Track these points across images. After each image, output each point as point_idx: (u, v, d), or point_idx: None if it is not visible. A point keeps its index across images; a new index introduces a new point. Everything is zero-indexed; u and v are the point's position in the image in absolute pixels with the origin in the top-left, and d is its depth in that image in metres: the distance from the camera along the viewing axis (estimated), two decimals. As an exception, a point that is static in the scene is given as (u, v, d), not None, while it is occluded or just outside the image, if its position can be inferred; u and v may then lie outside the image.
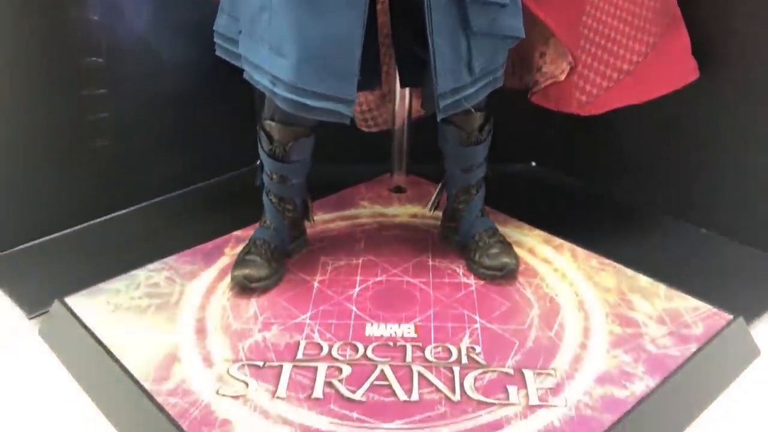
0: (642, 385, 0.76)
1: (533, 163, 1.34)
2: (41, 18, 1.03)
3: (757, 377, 0.86)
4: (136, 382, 0.76)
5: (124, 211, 1.18)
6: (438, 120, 0.85)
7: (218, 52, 0.88)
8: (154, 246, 1.03)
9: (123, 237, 1.11)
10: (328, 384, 0.76)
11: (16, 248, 1.08)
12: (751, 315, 0.92)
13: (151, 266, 0.96)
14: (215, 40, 0.88)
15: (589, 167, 1.25)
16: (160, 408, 0.72)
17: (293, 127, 0.88)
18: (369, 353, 0.80)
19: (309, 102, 0.77)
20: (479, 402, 0.74)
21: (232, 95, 1.21)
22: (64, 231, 1.12)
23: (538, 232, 1.05)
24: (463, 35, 0.79)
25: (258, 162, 0.97)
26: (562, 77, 0.92)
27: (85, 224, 1.14)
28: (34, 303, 0.94)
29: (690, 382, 0.80)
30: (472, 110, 0.87)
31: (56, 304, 0.90)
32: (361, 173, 1.22)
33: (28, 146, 1.07)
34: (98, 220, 1.16)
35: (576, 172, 1.27)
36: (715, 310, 0.88)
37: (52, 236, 1.11)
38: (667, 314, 0.87)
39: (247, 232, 1.01)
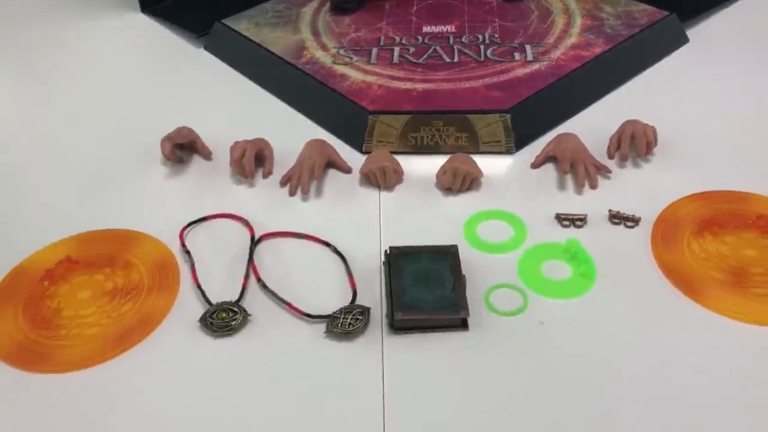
0: (599, 49, 1.21)
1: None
2: None
3: (682, 55, 1.30)
4: (282, 58, 1.23)
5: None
6: None
7: None
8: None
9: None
10: (402, 56, 1.22)
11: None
12: (689, 16, 1.34)
13: (272, 0, 1.41)
14: None
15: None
16: (302, 70, 1.20)
17: None
18: (426, 41, 1.26)
19: None
20: (495, 61, 1.19)
21: None
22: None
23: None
24: None
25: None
26: None
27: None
28: (197, 28, 1.40)
29: (631, 50, 1.24)
30: None
31: (217, 24, 1.35)
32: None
33: None
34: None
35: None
36: (656, 10, 1.30)
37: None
38: (624, 13, 1.30)
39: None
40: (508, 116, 1.07)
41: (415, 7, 1.35)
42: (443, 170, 1.01)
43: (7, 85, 1.37)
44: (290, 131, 1.14)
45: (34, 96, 1.32)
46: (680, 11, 1.31)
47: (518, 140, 1.07)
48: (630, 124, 1.05)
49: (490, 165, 1.04)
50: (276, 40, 1.28)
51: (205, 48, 1.37)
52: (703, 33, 1.34)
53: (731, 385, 0.75)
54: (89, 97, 1.28)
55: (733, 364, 0.77)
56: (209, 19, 1.38)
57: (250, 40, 1.28)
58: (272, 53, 1.24)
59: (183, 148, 1.09)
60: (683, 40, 1.31)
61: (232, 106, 1.23)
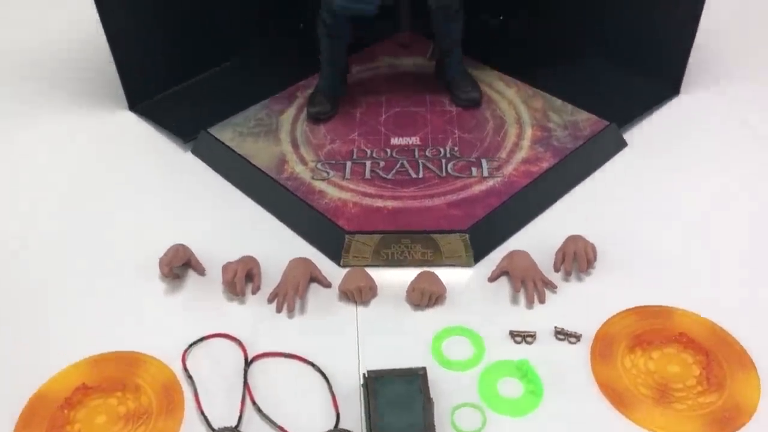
0: (547, 164, 1.36)
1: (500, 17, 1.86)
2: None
3: (622, 159, 1.46)
4: (265, 173, 1.37)
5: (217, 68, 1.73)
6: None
7: None
8: (251, 90, 1.60)
9: (224, 85, 1.66)
10: (373, 171, 1.36)
11: (159, 95, 1.64)
12: (624, 121, 1.51)
13: (254, 107, 1.54)
14: None
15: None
16: (284, 186, 1.33)
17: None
18: (394, 154, 1.40)
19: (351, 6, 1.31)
20: (455, 177, 1.34)
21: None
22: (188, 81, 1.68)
23: (495, 72, 1.62)
24: None
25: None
26: None
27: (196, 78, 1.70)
28: (184, 133, 1.52)
29: (578, 161, 1.40)
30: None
31: (203, 133, 1.48)
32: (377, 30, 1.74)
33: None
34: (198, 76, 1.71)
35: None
36: (598, 119, 1.47)
37: (182, 85, 1.66)
38: (570, 123, 1.46)
39: (309, 82, 1.58)
40: (467, 235, 1.22)
41: (383, 116, 1.50)
42: (412, 288, 1.16)
43: None
44: (275, 243, 1.28)
45: (14, 202, 1.42)
46: (618, 116, 1.48)
47: (476, 255, 1.23)
48: (572, 241, 1.21)
49: (452, 278, 1.20)
50: (258, 152, 1.41)
51: (193, 152, 1.49)
52: (639, 136, 1.51)
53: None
54: (77, 202, 1.40)
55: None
56: (196, 123, 1.51)
57: (235, 152, 1.41)
58: (256, 167, 1.38)
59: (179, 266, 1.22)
60: (622, 144, 1.47)
61: (220, 214, 1.36)
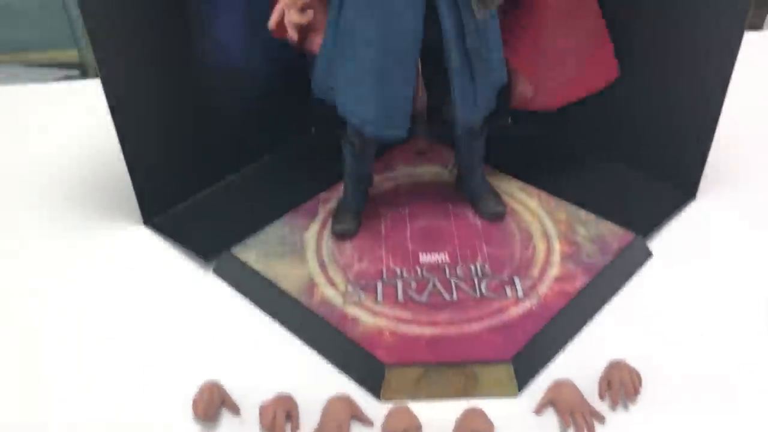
0: (580, 282, 1.36)
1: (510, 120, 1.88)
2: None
3: (650, 271, 1.46)
4: (296, 299, 1.34)
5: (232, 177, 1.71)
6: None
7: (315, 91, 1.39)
8: (269, 201, 1.58)
9: (241, 195, 1.64)
10: (405, 293, 1.34)
11: (174, 208, 1.61)
12: (647, 231, 1.51)
13: (277, 223, 1.51)
14: (313, 85, 1.38)
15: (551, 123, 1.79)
16: (316, 314, 1.30)
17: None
18: (425, 273, 1.38)
19: (383, 133, 1.31)
20: (491, 298, 1.33)
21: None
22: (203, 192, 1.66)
23: (516, 182, 1.62)
24: (470, 82, 1.31)
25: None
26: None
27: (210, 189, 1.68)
28: (205, 251, 1.49)
29: (608, 277, 1.39)
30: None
31: (226, 254, 1.45)
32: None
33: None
34: (215, 186, 1.69)
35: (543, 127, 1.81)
36: (623, 230, 1.47)
37: (198, 196, 1.64)
38: (596, 237, 1.46)
39: (329, 194, 1.57)
40: (511, 365, 1.20)
41: (408, 230, 1.48)
42: (459, 427, 1.12)
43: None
44: (308, 374, 1.24)
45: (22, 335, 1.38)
46: (641, 225, 1.48)
47: (520, 384, 1.20)
48: (616, 369, 1.19)
49: (496, 409, 1.17)
50: (286, 274, 1.38)
51: (215, 272, 1.46)
52: (660, 243, 1.51)
53: None
54: (95, 331, 1.35)
55: None
56: (216, 240, 1.48)
57: (261, 275, 1.38)
58: (285, 292, 1.34)
59: (214, 407, 1.18)
60: (647, 255, 1.47)
61: (249, 342, 1.32)
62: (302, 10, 1.09)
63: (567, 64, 1.46)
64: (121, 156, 1.48)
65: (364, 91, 1.27)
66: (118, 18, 1.38)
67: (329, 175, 1.64)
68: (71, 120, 2.03)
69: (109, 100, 1.42)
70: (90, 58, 4.04)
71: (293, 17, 1.07)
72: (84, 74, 4.18)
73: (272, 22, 1.08)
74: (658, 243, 1.52)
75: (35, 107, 2.15)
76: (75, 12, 3.98)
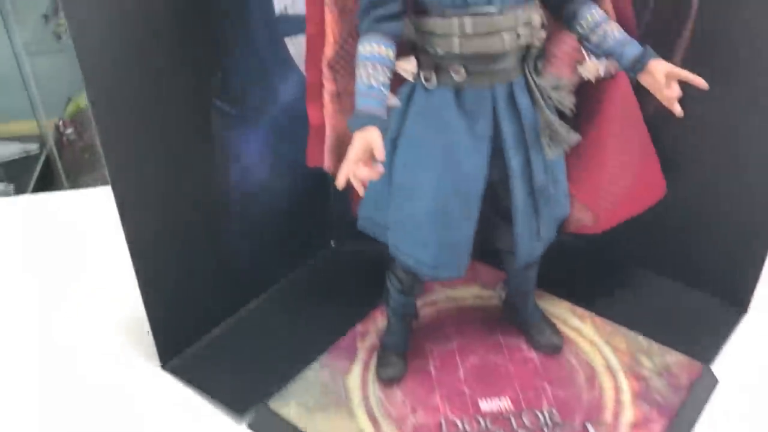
0: (658, 426, 1.25)
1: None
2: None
3: (720, 401, 1.36)
4: (349, 463, 1.19)
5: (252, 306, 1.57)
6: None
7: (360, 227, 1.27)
8: (299, 336, 1.44)
9: (264, 329, 1.49)
10: (470, 450, 1.21)
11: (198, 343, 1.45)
12: (710, 356, 1.42)
13: (314, 366, 1.37)
14: (360, 219, 1.26)
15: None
16: (377, 481, 1.16)
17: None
18: (489, 425, 1.25)
19: (440, 276, 1.19)
20: (567, 453, 1.21)
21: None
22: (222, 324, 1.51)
23: (565, 303, 1.51)
24: (534, 217, 1.21)
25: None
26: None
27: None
28: (236, 402, 1.33)
29: (684, 415, 1.29)
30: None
31: (262, 407, 1.30)
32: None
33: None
34: (235, 316, 1.55)
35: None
36: (689, 360, 1.37)
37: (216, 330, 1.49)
38: (663, 369, 1.35)
39: (365, 326, 1.44)
40: None
41: (461, 370, 1.36)
42: None
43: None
44: None
45: None
46: (702, 349, 1.39)
47: None
48: None
49: None
50: (332, 431, 1.24)
51: (250, 427, 1.30)
52: (721, 365, 1.41)
53: None
54: None
55: None
56: (245, 387, 1.33)
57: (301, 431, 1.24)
58: (335, 453, 1.20)
59: None
60: (715, 382, 1.37)
61: None
62: (369, 161, 0.97)
63: (621, 183, 1.37)
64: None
65: (422, 233, 1.16)
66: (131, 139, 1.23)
67: (360, 299, 1.52)
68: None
69: (128, 237, 1.28)
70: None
71: (363, 174, 0.95)
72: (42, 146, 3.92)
73: (340, 182, 0.96)
74: (719, 365, 1.42)
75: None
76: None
